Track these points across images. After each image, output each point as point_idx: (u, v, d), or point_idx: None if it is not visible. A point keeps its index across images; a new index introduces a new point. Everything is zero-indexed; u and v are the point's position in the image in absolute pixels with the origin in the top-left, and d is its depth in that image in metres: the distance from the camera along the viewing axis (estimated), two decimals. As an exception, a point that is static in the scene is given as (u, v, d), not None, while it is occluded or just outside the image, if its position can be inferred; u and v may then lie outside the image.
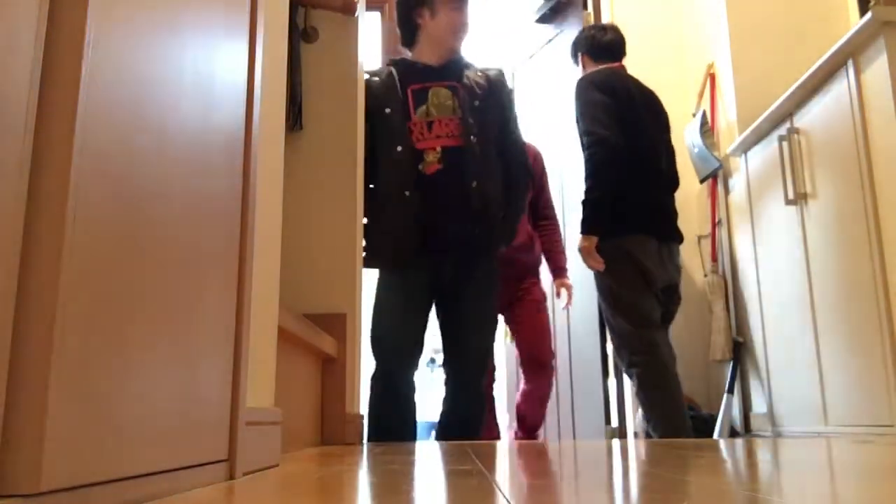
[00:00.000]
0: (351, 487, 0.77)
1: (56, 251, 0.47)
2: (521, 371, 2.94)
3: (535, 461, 1.14)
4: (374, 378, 2.31)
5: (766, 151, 2.77)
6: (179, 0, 0.70)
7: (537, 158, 3.04)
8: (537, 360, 2.84)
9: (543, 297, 2.97)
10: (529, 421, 2.82)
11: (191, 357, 0.71)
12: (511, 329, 2.99)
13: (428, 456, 1.32)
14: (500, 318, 2.83)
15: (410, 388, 2.33)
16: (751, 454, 1.25)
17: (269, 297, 1.16)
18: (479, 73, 2.43)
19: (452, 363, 2.39)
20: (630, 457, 1.22)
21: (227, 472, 0.83)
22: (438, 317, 2.43)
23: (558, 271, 3.01)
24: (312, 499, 0.66)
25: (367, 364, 2.35)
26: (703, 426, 3.02)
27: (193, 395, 0.72)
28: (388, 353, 2.28)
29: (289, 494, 0.69)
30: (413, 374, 2.36)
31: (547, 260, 3.03)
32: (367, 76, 2.44)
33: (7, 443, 0.44)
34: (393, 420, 2.27)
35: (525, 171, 2.48)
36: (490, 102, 2.38)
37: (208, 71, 0.79)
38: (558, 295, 2.98)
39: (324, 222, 2.19)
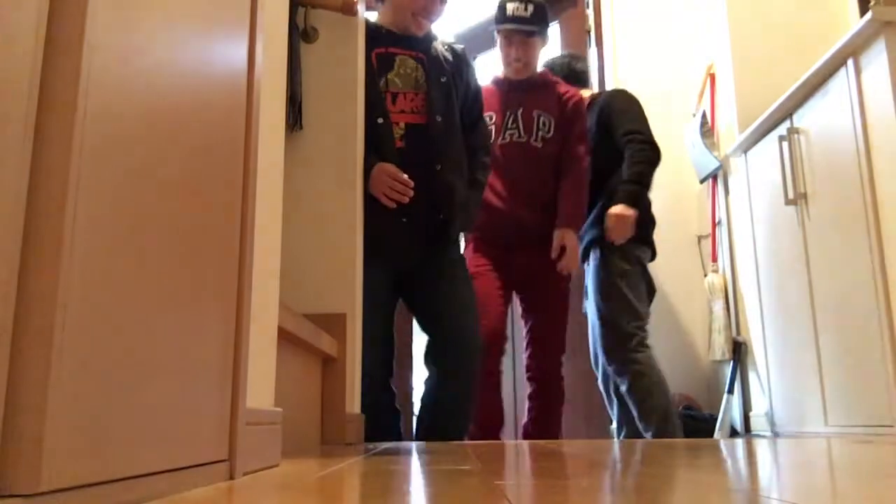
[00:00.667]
0: (351, 487, 0.77)
1: (56, 251, 0.47)
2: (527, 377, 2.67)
3: (536, 461, 1.14)
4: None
5: (766, 151, 2.77)
6: (179, 0, 0.70)
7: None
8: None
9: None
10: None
11: (191, 357, 0.71)
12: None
13: (429, 456, 1.32)
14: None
15: (388, 394, 2.29)
16: (751, 454, 1.25)
17: (269, 297, 1.16)
18: (445, 47, 2.34)
19: (435, 352, 2.26)
20: (630, 456, 1.22)
21: (227, 472, 0.83)
22: (412, 310, 2.36)
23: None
24: (312, 499, 0.66)
25: (367, 364, 2.36)
26: (703, 426, 3.01)
27: (193, 395, 0.72)
28: (365, 345, 2.21)
29: (289, 494, 0.69)
30: (388, 379, 2.30)
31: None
32: None
33: (7, 443, 0.44)
34: (376, 422, 2.22)
35: (488, 155, 2.44)
36: (456, 80, 2.29)
37: (208, 70, 0.79)
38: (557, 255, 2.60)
39: (324, 222, 2.19)
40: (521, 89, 2.73)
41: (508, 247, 2.65)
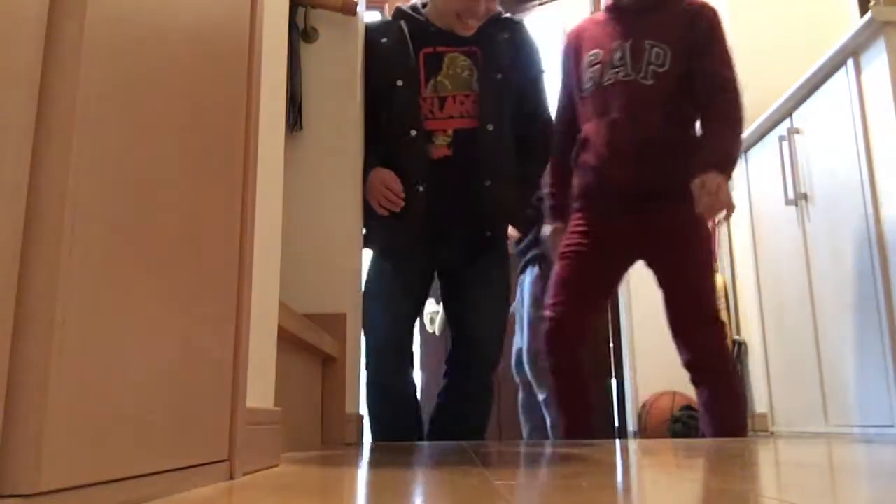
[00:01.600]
0: (351, 487, 0.77)
1: (56, 250, 0.47)
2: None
3: (536, 461, 1.14)
4: (370, 379, 2.17)
5: (766, 151, 2.77)
6: (179, 0, 0.70)
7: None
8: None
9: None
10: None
11: (191, 357, 0.71)
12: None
13: (428, 456, 1.32)
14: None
15: (410, 387, 2.21)
16: (750, 454, 1.25)
17: (269, 297, 1.16)
18: (501, 27, 2.13)
19: (452, 354, 2.20)
20: (630, 457, 1.22)
21: (227, 472, 0.83)
22: (443, 300, 2.29)
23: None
24: (312, 499, 0.66)
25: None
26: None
27: (193, 395, 0.72)
28: (381, 350, 2.14)
29: (289, 494, 0.69)
30: (411, 371, 2.22)
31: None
32: (369, 27, 2.18)
33: (7, 443, 0.44)
34: (394, 426, 2.16)
35: (546, 148, 2.20)
36: (514, 75, 2.11)
37: (207, 70, 0.79)
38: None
39: (324, 222, 2.19)
40: (634, 15, 2.23)
41: (614, 212, 2.15)
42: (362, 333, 2.18)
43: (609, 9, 2.27)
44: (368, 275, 2.20)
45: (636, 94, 2.14)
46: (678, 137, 2.12)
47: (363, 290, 2.17)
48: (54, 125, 0.49)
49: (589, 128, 2.21)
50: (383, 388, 2.16)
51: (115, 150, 0.55)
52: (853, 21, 2.77)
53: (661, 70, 2.14)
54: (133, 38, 0.59)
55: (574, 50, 2.31)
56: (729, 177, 2.02)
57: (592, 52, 2.24)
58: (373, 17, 2.89)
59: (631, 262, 2.22)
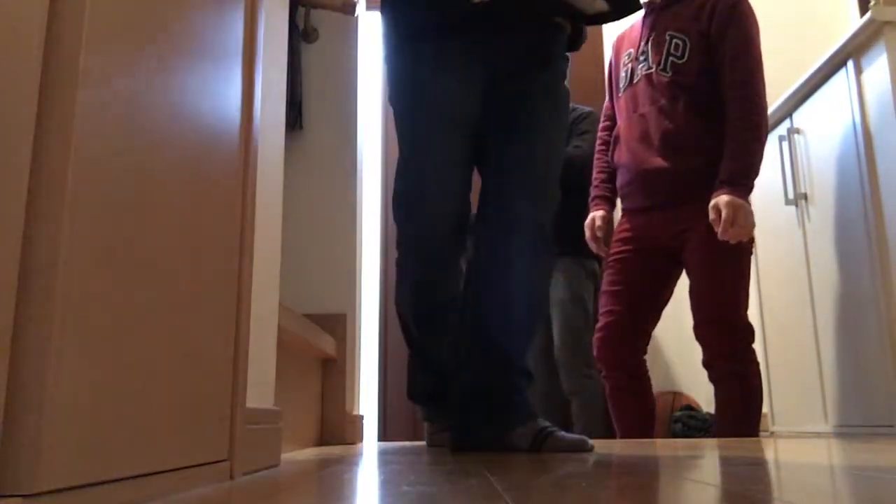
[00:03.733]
0: (351, 487, 0.77)
1: (55, 251, 0.47)
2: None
3: (537, 461, 1.14)
4: (402, 274, 1.57)
5: (766, 151, 2.77)
6: (179, 1, 0.70)
7: None
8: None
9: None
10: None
11: (191, 357, 0.71)
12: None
13: (429, 455, 1.32)
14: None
15: (458, 283, 1.56)
16: (750, 454, 1.25)
17: (269, 297, 1.16)
18: None
19: (483, 206, 1.51)
20: (630, 457, 1.22)
21: (227, 472, 0.83)
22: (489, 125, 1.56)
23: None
24: (312, 499, 0.66)
25: (368, 363, 2.34)
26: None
27: (193, 395, 0.72)
28: (425, 216, 1.50)
29: (289, 494, 0.69)
30: (460, 262, 1.59)
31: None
32: None
33: (7, 443, 0.44)
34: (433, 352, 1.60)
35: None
36: None
37: (207, 70, 0.79)
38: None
39: (324, 222, 2.19)
40: (660, 9, 2.21)
41: (650, 210, 2.15)
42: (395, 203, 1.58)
43: (645, 7, 2.25)
44: (396, 88, 1.57)
45: (659, 86, 2.13)
46: (703, 129, 2.07)
47: (396, 114, 1.60)
48: (55, 125, 0.49)
49: (620, 124, 2.25)
50: (428, 289, 1.57)
51: (114, 148, 0.55)
52: (853, 21, 2.78)
53: (680, 61, 2.10)
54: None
55: (615, 52, 2.39)
56: (748, 190, 1.99)
57: (627, 51, 2.27)
58: (373, 17, 2.88)
59: (674, 260, 2.18)
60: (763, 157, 2.07)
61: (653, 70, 2.15)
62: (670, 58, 2.12)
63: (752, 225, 1.99)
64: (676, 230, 2.11)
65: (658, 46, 2.15)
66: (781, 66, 3.00)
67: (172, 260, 0.66)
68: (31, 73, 0.48)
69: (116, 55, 0.56)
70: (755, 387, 2.07)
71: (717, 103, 2.08)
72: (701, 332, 2.08)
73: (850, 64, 2.18)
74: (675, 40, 2.13)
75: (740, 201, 1.96)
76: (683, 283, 2.95)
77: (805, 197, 2.45)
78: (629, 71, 2.24)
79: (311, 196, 2.19)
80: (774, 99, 2.63)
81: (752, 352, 2.09)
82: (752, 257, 2.91)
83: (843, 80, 2.22)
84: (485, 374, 1.48)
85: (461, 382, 1.51)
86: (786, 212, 2.57)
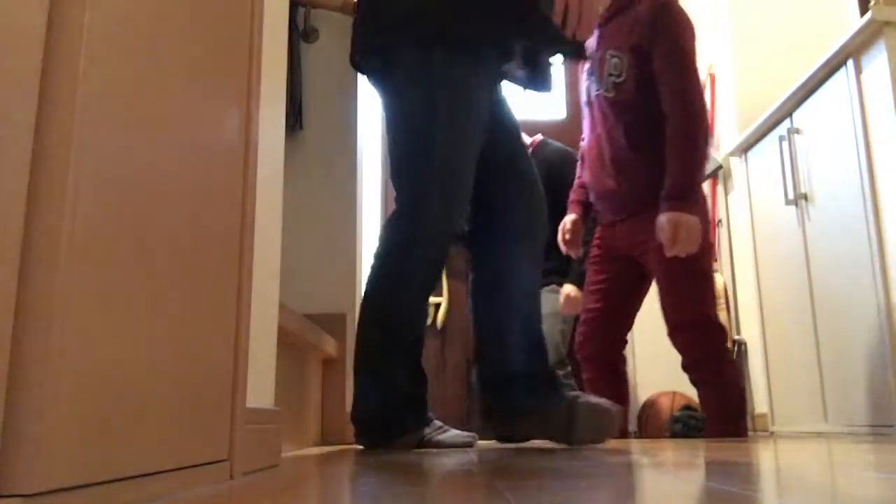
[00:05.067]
0: (351, 487, 0.77)
1: (55, 251, 0.47)
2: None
3: (538, 461, 1.14)
4: (409, 274, 1.61)
5: (766, 151, 2.77)
6: (178, 1, 0.70)
7: None
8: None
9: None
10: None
11: (191, 357, 0.71)
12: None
13: (429, 455, 1.32)
14: None
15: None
16: (751, 454, 1.25)
17: (269, 297, 1.16)
18: None
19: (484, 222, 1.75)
20: (630, 457, 1.22)
21: (227, 472, 0.83)
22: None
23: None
24: (312, 499, 0.66)
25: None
26: (703, 426, 3.01)
27: (193, 395, 0.72)
28: (458, 216, 1.63)
29: (289, 494, 0.69)
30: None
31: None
32: None
33: (7, 443, 0.44)
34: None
35: None
36: None
37: (207, 70, 0.79)
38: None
39: (324, 222, 2.19)
40: (605, 22, 2.19)
41: (613, 221, 2.25)
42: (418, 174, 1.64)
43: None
44: (431, 86, 1.64)
45: (606, 107, 2.16)
46: (647, 147, 2.08)
47: (425, 112, 1.64)
48: (55, 126, 0.49)
49: (583, 144, 2.33)
50: (430, 288, 1.66)
51: (114, 152, 0.55)
52: (853, 21, 2.78)
53: (619, 80, 2.11)
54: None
55: (580, 67, 2.40)
56: (689, 203, 2.00)
57: (586, 67, 2.28)
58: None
59: (641, 270, 2.24)
60: (705, 163, 2.07)
61: (601, 91, 2.17)
62: (610, 78, 2.13)
63: (696, 238, 1.99)
64: (637, 241, 2.16)
65: (601, 65, 2.16)
66: (781, 65, 3.00)
67: (172, 260, 0.66)
68: (32, 71, 0.48)
69: (117, 58, 0.56)
70: (731, 385, 2.10)
71: (657, 123, 2.06)
72: (674, 339, 2.12)
73: (850, 64, 2.18)
74: (613, 59, 2.12)
75: (682, 216, 1.97)
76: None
77: (805, 197, 2.45)
78: (587, 89, 2.26)
79: (311, 196, 2.19)
80: (774, 99, 2.63)
81: (726, 351, 2.13)
82: (753, 257, 2.90)
83: (843, 80, 2.22)
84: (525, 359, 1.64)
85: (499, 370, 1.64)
86: (786, 212, 2.57)
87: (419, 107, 1.63)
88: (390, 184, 1.72)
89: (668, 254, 1.99)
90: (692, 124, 2.02)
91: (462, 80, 1.63)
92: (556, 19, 1.56)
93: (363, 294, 1.65)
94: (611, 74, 2.13)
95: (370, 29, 1.69)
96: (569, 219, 2.36)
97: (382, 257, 1.63)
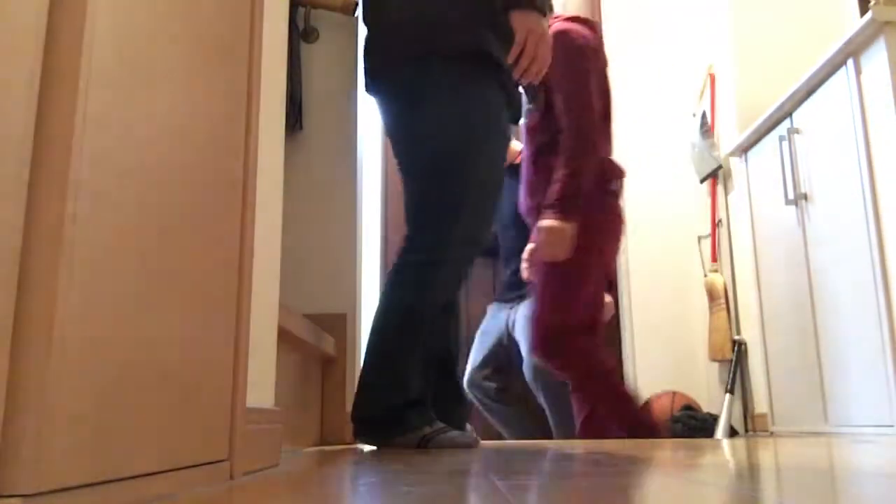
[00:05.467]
0: (351, 487, 0.77)
1: (56, 251, 0.47)
2: None
3: (538, 461, 1.14)
4: (446, 272, 1.67)
5: (766, 151, 2.77)
6: (179, 0, 0.70)
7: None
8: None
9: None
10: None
11: (191, 356, 0.71)
12: None
13: (429, 455, 1.32)
14: None
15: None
16: (751, 454, 1.25)
17: (269, 297, 1.16)
18: None
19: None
20: (629, 457, 1.22)
21: (227, 472, 0.83)
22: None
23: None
24: (312, 499, 0.66)
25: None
26: (703, 426, 3.02)
27: (193, 395, 0.72)
28: (478, 228, 1.70)
29: (289, 494, 0.69)
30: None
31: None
32: None
33: (7, 443, 0.44)
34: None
35: None
36: None
37: (207, 70, 0.79)
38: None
39: (324, 222, 2.19)
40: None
41: None
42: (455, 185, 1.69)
43: None
44: (469, 108, 1.69)
45: (525, 132, 2.28)
46: (548, 172, 2.16)
47: (465, 135, 1.70)
48: (55, 126, 0.49)
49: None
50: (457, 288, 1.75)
51: (114, 152, 0.55)
52: (853, 21, 2.78)
53: (529, 106, 2.22)
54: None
55: None
56: (559, 213, 2.08)
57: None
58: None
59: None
60: (580, 186, 2.13)
61: (524, 116, 2.27)
62: (525, 104, 2.21)
63: (561, 245, 2.08)
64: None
65: (523, 91, 2.23)
66: (781, 66, 3.00)
67: (173, 260, 0.66)
68: (32, 71, 0.48)
69: (117, 58, 0.56)
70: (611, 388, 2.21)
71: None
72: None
73: (850, 64, 2.17)
74: (526, 85, 2.20)
75: (551, 223, 2.08)
76: (684, 289, 2.95)
77: (805, 197, 2.45)
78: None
79: (311, 196, 2.19)
80: (774, 99, 2.63)
81: (586, 356, 2.22)
82: (753, 257, 2.90)
83: (843, 80, 2.22)
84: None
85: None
86: (786, 212, 2.57)
87: (456, 120, 1.68)
88: (390, 184, 1.73)
89: (531, 257, 2.13)
90: (577, 155, 2.12)
91: (494, 98, 1.72)
92: (510, 60, 1.66)
93: (384, 297, 1.65)
94: (525, 101, 2.25)
95: (408, 37, 1.71)
96: (531, 246, 2.35)
97: (412, 265, 1.66)
